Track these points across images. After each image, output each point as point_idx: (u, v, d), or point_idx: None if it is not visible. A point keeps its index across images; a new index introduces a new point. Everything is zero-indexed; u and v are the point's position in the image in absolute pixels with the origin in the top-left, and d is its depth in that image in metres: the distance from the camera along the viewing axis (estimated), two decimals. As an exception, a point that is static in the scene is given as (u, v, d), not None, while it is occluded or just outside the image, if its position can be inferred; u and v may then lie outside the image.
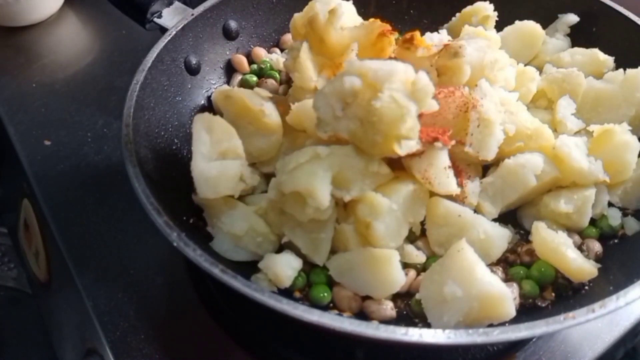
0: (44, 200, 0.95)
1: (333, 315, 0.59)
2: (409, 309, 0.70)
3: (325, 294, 0.69)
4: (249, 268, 0.69)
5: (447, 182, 0.70)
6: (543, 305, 0.71)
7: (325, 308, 0.69)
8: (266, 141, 0.79)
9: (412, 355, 0.77)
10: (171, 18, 0.96)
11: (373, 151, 0.67)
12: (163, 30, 0.94)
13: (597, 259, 0.74)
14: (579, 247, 0.75)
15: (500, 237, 0.73)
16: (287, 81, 0.95)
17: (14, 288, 1.37)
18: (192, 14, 0.92)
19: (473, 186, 0.76)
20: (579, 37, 0.97)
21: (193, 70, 0.94)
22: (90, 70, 1.20)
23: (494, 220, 0.75)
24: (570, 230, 0.76)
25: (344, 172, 0.67)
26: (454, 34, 0.96)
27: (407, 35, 0.79)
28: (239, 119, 0.79)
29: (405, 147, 0.65)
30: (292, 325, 0.60)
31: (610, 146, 0.76)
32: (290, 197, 0.67)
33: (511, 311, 0.63)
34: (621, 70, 0.85)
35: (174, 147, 0.85)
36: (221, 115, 0.78)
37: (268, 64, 0.99)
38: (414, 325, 0.68)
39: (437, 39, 0.82)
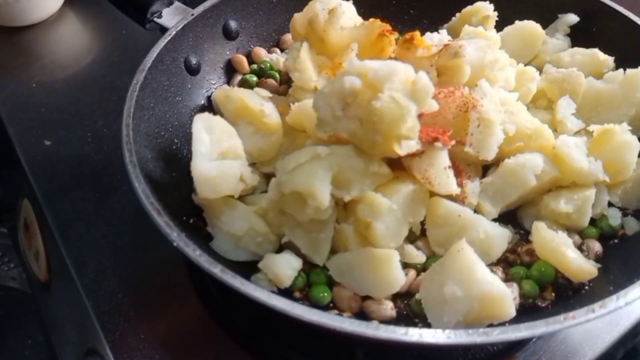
0: (44, 200, 0.95)
1: (333, 315, 0.59)
2: (409, 309, 0.70)
3: (325, 294, 0.69)
4: (249, 268, 0.70)
5: (447, 182, 0.70)
6: (543, 305, 0.71)
7: (325, 308, 0.70)
8: (266, 141, 0.79)
9: (412, 355, 0.77)
10: (171, 18, 0.96)
11: (373, 151, 0.67)
12: (163, 30, 0.94)
13: (597, 259, 0.74)
14: (579, 247, 0.75)
15: (500, 237, 0.73)
16: (287, 81, 0.95)
17: (14, 288, 1.37)
18: (192, 14, 0.92)
19: (473, 186, 0.76)
20: (579, 37, 0.97)
21: (193, 70, 0.94)
22: (90, 70, 1.20)
23: (494, 220, 0.75)
24: (570, 230, 0.76)
25: (344, 172, 0.67)
26: (454, 34, 0.96)
27: (407, 35, 0.79)
28: (239, 119, 0.80)
29: (405, 147, 0.65)
30: (292, 325, 0.60)
31: (610, 146, 0.76)
32: (290, 197, 0.67)
33: (511, 311, 0.63)
34: (621, 70, 0.85)
35: (174, 147, 0.85)
36: (221, 115, 0.78)
37: (268, 64, 0.99)
38: (414, 325, 0.68)
39: (437, 39, 0.82)
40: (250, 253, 0.72)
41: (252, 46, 1.03)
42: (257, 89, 0.91)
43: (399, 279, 0.66)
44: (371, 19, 0.81)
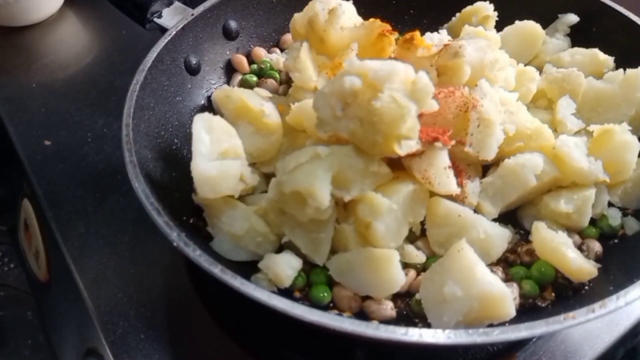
0: (44, 200, 0.95)
1: (333, 315, 0.59)
2: (409, 309, 0.70)
3: (325, 294, 0.69)
4: (249, 268, 0.69)
5: (447, 182, 0.70)
6: (543, 305, 0.71)
7: (325, 308, 0.69)
8: (266, 141, 0.79)
9: (412, 355, 0.77)
10: (171, 18, 0.96)
11: (373, 151, 0.67)
12: (163, 30, 0.94)
13: (597, 259, 0.74)
14: (579, 247, 0.75)
15: (500, 237, 0.73)
16: (287, 81, 0.95)
17: (14, 288, 1.37)
18: (192, 14, 0.92)
19: (473, 186, 0.76)
20: (579, 37, 0.97)
21: (193, 70, 0.94)
22: (90, 70, 1.20)
23: (494, 220, 0.75)
24: (570, 230, 0.76)
25: (344, 172, 0.67)
26: (454, 34, 0.96)
27: (407, 36, 0.79)
28: (239, 119, 0.79)
29: (405, 147, 0.65)
30: (292, 325, 0.60)
31: (610, 146, 0.76)
32: (290, 197, 0.67)
33: (511, 311, 0.63)
34: (621, 70, 0.84)
35: (174, 147, 0.85)
36: (221, 115, 0.78)
37: (268, 64, 0.99)
38: (414, 325, 0.68)
39: (437, 39, 0.81)
40: (250, 253, 0.72)
41: (252, 46, 1.03)
42: (257, 89, 0.91)
43: (399, 279, 0.66)
44: (371, 19, 0.81)
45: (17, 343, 1.26)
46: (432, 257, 0.74)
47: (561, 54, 0.93)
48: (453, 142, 0.69)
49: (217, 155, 0.70)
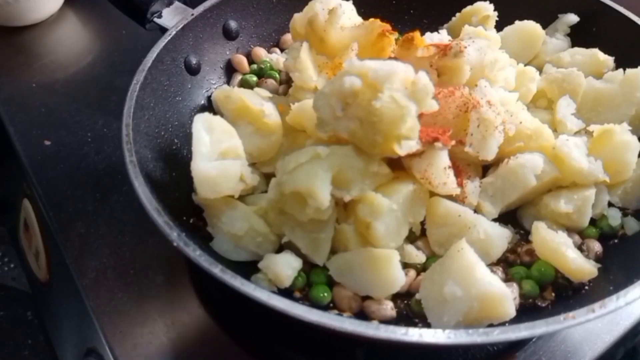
0: (44, 200, 0.95)
1: (333, 315, 0.59)
2: (409, 309, 0.70)
3: (325, 294, 0.69)
4: (249, 268, 0.69)
5: (447, 182, 0.70)
6: (543, 305, 0.71)
7: (325, 308, 0.69)
8: (266, 141, 0.79)
9: (412, 355, 0.77)
10: (171, 18, 0.96)
11: (373, 151, 0.67)
12: (163, 30, 0.93)
13: (597, 259, 0.74)
14: (579, 247, 0.75)
15: (500, 237, 0.73)
16: (287, 81, 0.95)
17: (14, 288, 1.37)
18: (192, 14, 0.92)
19: (473, 186, 0.76)
20: (579, 37, 0.97)
21: (193, 70, 0.93)
22: (90, 70, 1.19)
23: (494, 220, 0.75)
24: (570, 230, 0.76)
25: (344, 172, 0.67)
26: (454, 34, 0.96)
27: (408, 36, 0.79)
28: (239, 119, 0.79)
29: (405, 147, 0.65)
30: (292, 325, 0.60)
31: (610, 146, 0.76)
32: (290, 197, 0.67)
33: (511, 311, 0.63)
34: (621, 70, 0.84)
35: (174, 147, 0.85)
36: (221, 115, 0.78)
37: (268, 64, 0.99)
38: (414, 325, 0.68)
39: (437, 39, 0.82)
40: (250, 253, 0.72)
41: (252, 46, 1.03)
42: (257, 89, 0.91)
43: (399, 279, 0.66)
44: (371, 19, 0.81)
45: (17, 343, 1.26)
46: (432, 257, 0.74)
47: (561, 54, 0.93)
48: (453, 142, 0.69)
49: (217, 155, 0.70)
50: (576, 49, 0.94)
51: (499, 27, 0.96)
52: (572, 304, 0.63)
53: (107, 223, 0.91)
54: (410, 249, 0.73)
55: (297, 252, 0.71)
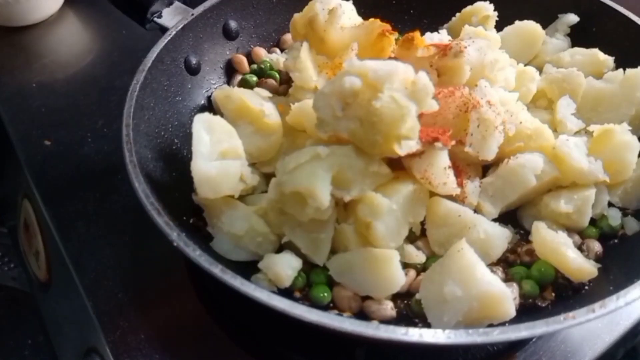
0: (44, 200, 0.95)
1: (333, 315, 0.59)
2: (409, 309, 0.70)
3: (326, 294, 0.69)
4: (249, 268, 0.69)
5: (447, 182, 0.70)
6: (543, 305, 0.71)
7: (325, 308, 0.69)
8: (266, 141, 0.79)
9: (412, 355, 0.77)
10: (171, 18, 0.96)
11: (373, 151, 0.67)
12: (163, 30, 0.93)
13: (597, 259, 0.74)
14: (579, 247, 0.75)
15: (500, 237, 0.73)
16: (287, 81, 0.95)
17: (14, 288, 1.37)
18: (192, 14, 0.92)
19: (473, 186, 0.76)
20: (579, 37, 0.97)
21: (193, 70, 0.93)
22: (90, 70, 1.19)
23: (494, 220, 0.75)
24: (570, 230, 0.76)
25: (344, 172, 0.67)
26: (454, 34, 0.96)
27: (408, 36, 0.79)
28: (239, 119, 0.79)
29: (405, 147, 0.65)
30: (292, 326, 0.60)
31: (610, 146, 0.76)
32: (290, 197, 0.67)
33: (511, 311, 0.63)
34: (621, 70, 0.84)
35: (174, 147, 0.85)
36: (221, 115, 0.78)
37: (268, 64, 0.99)
38: (414, 325, 0.68)
39: (437, 39, 0.81)
40: (250, 253, 0.72)
41: (252, 46, 1.03)
42: (257, 89, 0.91)
43: (399, 279, 0.66)
44: (371, 19, 0.81)
45: (17, 343, 1.26)
46: (432, 257, 0.74)
47: (561, 54, 0.93)
48: (453, 142, 0.69)
49: (217, 155, 0.70)
50: (576, 49, 0.94)
51: (499, 27, 0.96)
52: (572, 304, 0.63)
53: (107, 223, 0.91)
54: (410, 249, 0.73)
55: (297, 252, 0.71)
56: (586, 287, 0.71)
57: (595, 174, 0.74)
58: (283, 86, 0.96)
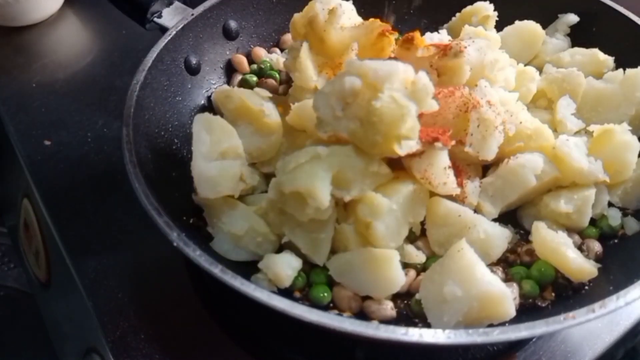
0: (43, 201, 0.95)
1: (333, 315, 0.59)
2: (409, 309, 0.70)
3: (325, 294, 0.69)
4: (249, 268, 0.69)
5: (447, 182, 0.70)
6: (543, 305, 0.71)
7: (325, 308, 0.69)
8: (266, 141, 0.79)
9: (412, 355, 0.77)
10: (171, 18, 0.96)
11: (373, 151, 0.67)
12: (163, 30, 0.93)
13: (597, 259, 0.74)
14: (579, 247, 0.75)
15: (500, 237, 0.73)
16: (287, 81, 0.95)
17: (14, 288, 1.37)
18: (192, 14, 0.92)
19: (473, 186, 0.76)
20: (578, 37, 0.97)
21: (193, 70, 0.93)
22: (90, 70, 1.19)
23: (494, 220, 0.75)
24: (570, 230, 0.76)
25: (344, 172, 0.67)
26: (454, 34, 0.96)
27: (408, 36, 0.79)
28: (239, 119, 0.79)
29: (405, 147, 0.65)
30: (292, 326, 0.60)
31: (610, 146, 0.76)
32: (290, 197, 0.66)
33: (511, 311, 0.63)
34: (621, 70, 0.84)
35: (174, 147, 0.84)
36: (221, 115, 0.78)
37: (268, 64, 0.99)
38: (414, 325, 0.68)
39: (437, 39, 0.81)
40: (250, 253, 0.72)
41: (252, 46, 1.03)
42: (257, 89, 0.91)
43: (399, 279, 0.66)
44: (371, 19, 0.81)
45: (17, 343, 1.26)
46: (432, 257, 0.74)
47: (561, 54, 0.93)
48: (453, 142, 0.69)
49: (217, 155, 0.70)
50: (576, 49, 0.93)
51: (499, 27, 0.96)
52: (572, 304, 0.63)
53: (107, 223, 0.91)
54: (410, 249, 0.73)
55: (297, 252, 0.71)
56: (586, 287, 0.71)
57: (595, 174, 0.74)
58: (283, 86, 0.96)
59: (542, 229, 0.72)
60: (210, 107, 0.95)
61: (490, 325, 0.62)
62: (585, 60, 0.90)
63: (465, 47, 0.76)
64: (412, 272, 0.72)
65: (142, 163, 0.71)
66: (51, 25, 1.30)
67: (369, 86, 0.64)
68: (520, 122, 0.75)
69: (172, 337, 0.79)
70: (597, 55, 0.90)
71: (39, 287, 1.09)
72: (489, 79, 0.77)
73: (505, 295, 0.62)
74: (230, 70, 1.00)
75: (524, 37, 0.95)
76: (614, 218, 0.78)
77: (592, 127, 0.79)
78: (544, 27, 0.96)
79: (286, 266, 0.68)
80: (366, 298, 0.69)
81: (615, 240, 0.78)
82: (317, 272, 0.71)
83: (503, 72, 0.81)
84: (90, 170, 0.99)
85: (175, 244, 0.62)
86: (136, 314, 0.80)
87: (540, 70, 0.91)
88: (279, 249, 0.72)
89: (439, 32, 0.87)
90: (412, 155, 0.69)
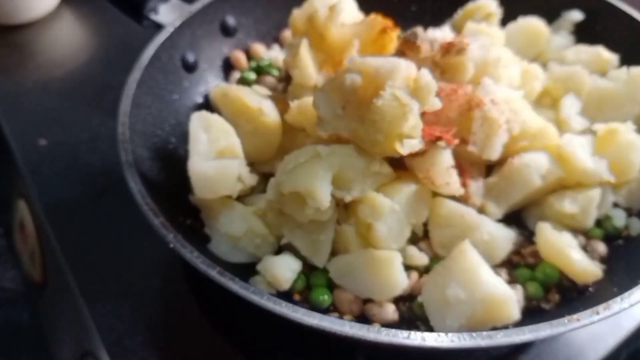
0: (39, 201, 0.94)
1: (333, 319, 0.58)
2: (411, 311, 0.69)
3: (326, 297, 0.69)
4: (247, 270, 0.69)
5: (451, 182, 0.70)
6: (547, 307, 0.70)
7: (325, 311, 0.69)
8: (265, 140, 0.78)
9: (415, 359, 0.76)
10: (168, 15, 0.95)
11: (374, 150, 0.67)
12: (160, 27, 0.93)
13: (602, 260, 0.74)
14: (584, 248, 0.74)
15: (505, 238, 0.72)
16: (287, 78, 0.94)
17: (10, 289, 1.36)
18: (190, 11, 0.91)
19: (477, 186, 0.75)
20: (583, 34, 0.97)
21: (190, 68, 0.93)
22: (86, 68, 1.19)
23: (498, 221, 0.75)
24: (575, 231, 0.76)
25: (344, 172, 0.66)
26: (457, 30, 0.96)
27: (406, 37, 0.78)
28: (237, 118, 0.79)
29: (407, 147, 0.65)
30: (291, 329, 0.60)
31: (614, 146, 0.76)
32: (289, 198, 0.66)
33: (515, 314, 0.62)
34: (625, 68, 0.84)
35: (170, 146, 0.84)
36: (219, 113, 0.78)
37: (267, 61, 0.98)
38: (417, 328, 0.67)
39: (440, 35, 0.80)
40: (248, 255, 0.71)
41: (250, 43, 1.02)
42: (255, 87, 0.91)
43: (401, 281, 0.66)
44: (372, 15, 0.80)
45: (12, 345, 1.25)
46: (435, 258, 0.73)
47: (565, 51, 0.93)
48: (456, 141, 0.69)
49: (215, 154, 0.70)
50: (580, 46, 0.93)
51: (503, 24, 0.96)
52: (577, 306, 0.62)
53: (103, 224, 0.90)
54: (412, 250, 0.72)
55: (297, 254, 0.70)
56: (590, 289, 0.70)
57: (600, 173, 0.74)
58: (282, 84, 0.95)
59: (546, 230, 0.72)
60: (207, 105, 0.94)
61: (494, 328, 0.61)
62: (590, 58, 0.90)
63: (468, 44, 0.75)
64: (415, 274, 0.71)
65: (138, 163, 0.71)
66: (47, 23, 1.30)
67: (371, 84, 0.63)
68: (525, 121, 0.74)
69: (169, 339, 0.78)
70: (601, 53, 0.90)
71: (35, 288, 1.08)
72: (492, 76, 0.76)
73: (509, 298, 0.62)
74: (228, 67, 1.00)
75: (528, 34, 0.94)
76: (619, 218, 0.77)
77: (596, 127, 0.78)
78: (548, 24, 0.96)
79: (285, 268, 0.68)
80: (367, 301, 0.68)
81: (620, 241, 0.77)
82: (317, 275, 0.70)
83: (507, 69, 0.80)
84: (86, 170, 0.99)
85: (171, 246, 0.62)
86: (133, 316, 0.79)
87: (543, 67, 0.90)
88: (278, 251, 0.72)
89: (441, 29, 0.86)
90: (414, 155, 0.68)
